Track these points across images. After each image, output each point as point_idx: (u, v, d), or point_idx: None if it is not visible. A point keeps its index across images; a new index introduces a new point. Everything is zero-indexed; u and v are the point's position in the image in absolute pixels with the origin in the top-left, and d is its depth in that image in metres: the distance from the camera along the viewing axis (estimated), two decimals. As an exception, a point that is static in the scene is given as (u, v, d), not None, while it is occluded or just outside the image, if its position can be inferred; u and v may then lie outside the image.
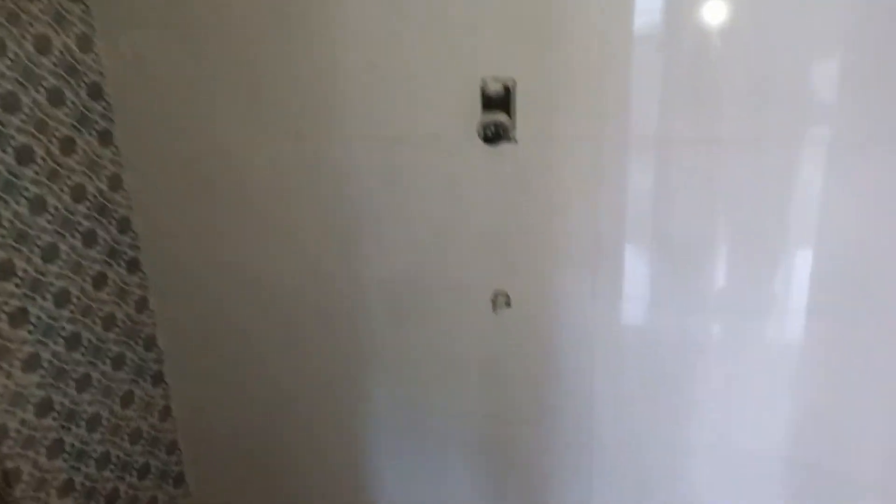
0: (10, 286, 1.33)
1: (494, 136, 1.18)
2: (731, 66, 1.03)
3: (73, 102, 1.43)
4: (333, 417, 1.60)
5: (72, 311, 1.47)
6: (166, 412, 1.77)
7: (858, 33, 0.96)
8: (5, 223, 1.32)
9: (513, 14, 1.14)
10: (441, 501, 1.56)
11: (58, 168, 1.41)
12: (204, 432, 1.78)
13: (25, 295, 1.37)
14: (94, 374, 1.55)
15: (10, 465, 1.36)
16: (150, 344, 1.69)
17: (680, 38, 1.05)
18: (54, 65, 1.38)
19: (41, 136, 1.37)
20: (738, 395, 1.19)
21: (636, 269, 1.21)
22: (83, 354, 1.51)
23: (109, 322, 1.57)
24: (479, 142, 1.20)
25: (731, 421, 1.21)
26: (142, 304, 1.66)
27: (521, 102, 1.18)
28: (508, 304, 1.31)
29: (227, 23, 1.36)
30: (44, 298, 1.40)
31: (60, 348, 1.45)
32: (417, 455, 1.54)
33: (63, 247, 1.44)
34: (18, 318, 1.36)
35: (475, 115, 1.20)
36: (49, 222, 1.40)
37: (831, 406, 1.13)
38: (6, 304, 1.33)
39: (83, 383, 1.52)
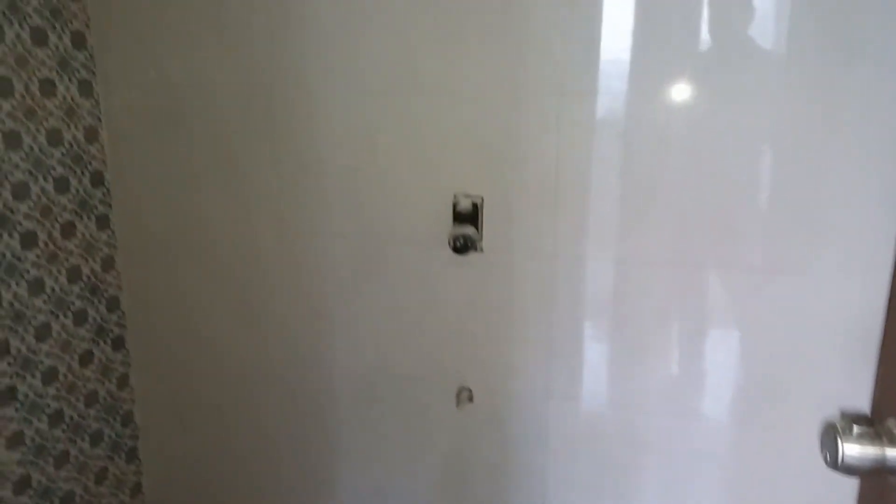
0: (3, 365, 1.41)
1: (463, 246, 1.34)
2: (673, 194, 1.22)
3: (76, 189, 1.55)
4: (301, 499, 1.67)
5: (57, 389, 1.54)
6: (137, 489, 1.81)
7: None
8: (5, 304, 1.40)
9: (481, 138, 1.32)
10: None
11: (57, 251, 1.51)
12: None
13: (17, 374, 1.44)
14: (73, 451, 1.60)
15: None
16: (127, 420, 1.75)
17: (634, 164, 1.24)
18: (63, 155, 1.50)
19: (45, 222, 1.47)
20: (675, 491, 1.33)
21: (588, 370, 1.35)
22: (63, 431, 1.56)
23: (92, 399, 1.63)
24: (449, 249, 1.35)
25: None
26: (123, 381, 1.73)
27: (487, 216, 1.35)
28: (471, 399, 1.44)
29: (217, 120, 1.51)
30: (33, 377, 1.47)
31: (44, 425, 1.51)
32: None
33: (55, 326, 1.52)
34: (7, 396, 1.42)
35: (447, 223, 1.36)
36: (45, 302, 1.49)
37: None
38: (-3, 382, 1.40)
39: (61, 460, 1.57)
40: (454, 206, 1.35)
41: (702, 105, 1.17)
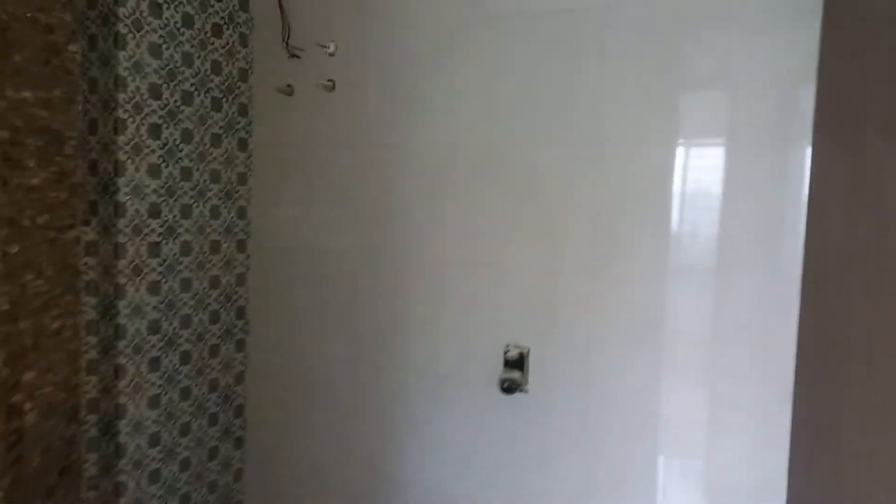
0: (154, 339, 1.84)
1: (510, 388, 1.63)
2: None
3: (225, 218, 2.02)
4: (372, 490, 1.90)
5: (189, 370, 1.94)
6: (239, 474, 2.13)
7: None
8: (162, 294, 1.85)
9: (529, 299, 1.65)
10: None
11: (205, 262, 1.97)
12: (269, 494, 2.11)
13: (162, 349, 1.87)
14: (194, 425, 1.97)
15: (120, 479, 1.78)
16: (239, 412, 2.11)
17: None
18: (219, 191, 2.00)
19: (199, 237, 1.94)
20: None
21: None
22: (189, 406, 1.95)
23: (213, 385, 2.02)
24: (498, 390, 1.66)
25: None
26: (240, 378, 2.11)
27: (533, 364, 1.65)
28: None
29: (332, 272, 1.95)
30: (174, 354, 1.90)
31: (176, 396, 1.91)
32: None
33: (195, 319, 1.95)
34: (154, 365, 1.85)
35: (497, 368, 1.68)
36: (190, 299, 1.93)
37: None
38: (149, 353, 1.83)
39: (184, 429, 1.94)
40: (504, 354, 1.66)
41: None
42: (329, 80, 1.90)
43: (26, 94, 0.53)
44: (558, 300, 1.60)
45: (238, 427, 2.12)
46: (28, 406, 0.57)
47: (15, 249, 0.55)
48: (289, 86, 1.98)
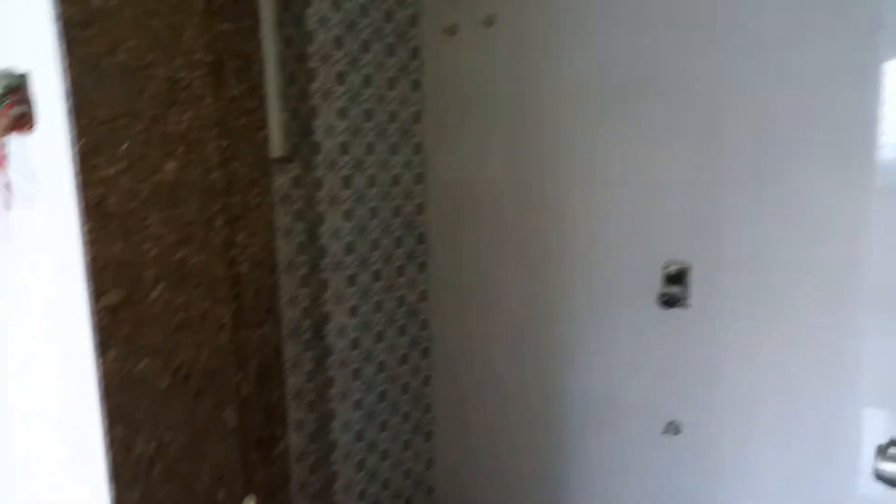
0: (354, 354, 2.16)
1: (669, 302, 1.68)
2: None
3: (406, 245, 2.26)
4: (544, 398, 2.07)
5: (384, 377, 2.28)
6: (430, 463, 2.47)
7: None
8: (360, 311, 2.16)
9: (690, 213, 1.65)
10: None
11: (391, 284, 2.23)
12: (454, 399, 2.39)
13: (362, 360, 2.20)
14: (390, 422, 2.32)
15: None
16: (427, 410, 2.43)
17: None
18: (401, 223, 2.26)
19: (386, 267, 2.21)
20: None
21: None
22: (384, 407, 2.29)
23: (405, 388, 2.35)
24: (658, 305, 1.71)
25: None
26: (426, 381, 2.41)
27: (695, 278, 1.66)
28: (678, 431, 1.71)
29: (501, 199, 2.09)
30: (369, 367, 2.23)
31: (374, 399, 2.26)
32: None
33: (388, 333, 2.27)
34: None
35: (657, 284, 1.72)
36: (381, 318, 2.22)
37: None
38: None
39: (382, 426, 2.31)
40: (664, 269, 1.69)
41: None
42: (489, 16, 2.01)
43: (226, 25, 0.73)
44: (721, 213, 1.59)
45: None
46: (241, 259, 0.80)
47: (225, 143, 0.76)
48: (453, 26, 2.13)
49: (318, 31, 1.97)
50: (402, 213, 2.27)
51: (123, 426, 0.72)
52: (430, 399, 2.44)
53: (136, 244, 0.70)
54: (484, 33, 2.04)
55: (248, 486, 0.83)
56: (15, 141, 0.77)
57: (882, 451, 1.07)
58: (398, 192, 2.25)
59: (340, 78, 2.05)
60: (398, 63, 2.20)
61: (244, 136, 0.78)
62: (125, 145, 0.68)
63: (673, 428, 1.73)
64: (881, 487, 1.06)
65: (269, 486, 0.85)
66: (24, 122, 0.76)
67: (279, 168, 1.98)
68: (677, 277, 1.67)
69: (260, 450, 0.84)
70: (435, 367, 2.42)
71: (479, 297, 2.21)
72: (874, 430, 1.25)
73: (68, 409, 0.76)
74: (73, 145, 0.66)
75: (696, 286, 1.65)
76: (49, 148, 0.70)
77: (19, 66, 0.74)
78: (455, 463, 2.39)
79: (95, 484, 0.73)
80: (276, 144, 2.03)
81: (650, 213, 1.72)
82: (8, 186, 0.79)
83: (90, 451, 0.72)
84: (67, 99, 0.65)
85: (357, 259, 2.16)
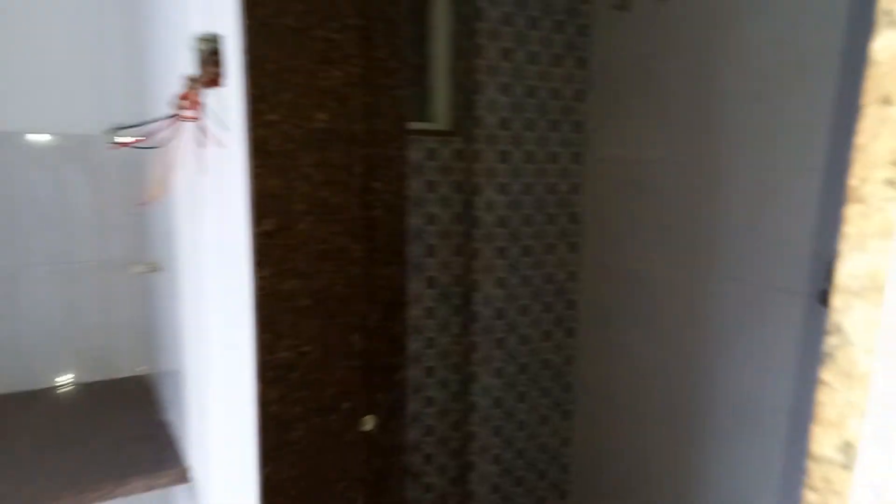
0: (500, 324, 2.23)
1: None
2: None
3: (560, 224, 2.27)
4: (689, 393, 1.99)
5: (526, 350, 2.32)
6: (567, 441, 2.47)
7: None
8: (507, 286, 2.22)
9: None
10: None
11: (541, 261, 2.26)
12: (596, 381, 2.38)
13: (505, 331, 2.26)
14: (529, 394, 2.37)
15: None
16: (567, 389, 2.44)
17: None
18: (556, 201, 2.25)
19: (537, 243, 2.24)
20: None
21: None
22: (524, 380, 2.34)
23: (547, 364, 2.37)
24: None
25: None
26: (569, 359, 2.41)
27: None
28: None
29: (661, 183, 1.99)
30: (513, 337, 2.28)
31: (514, 370, 2.31)
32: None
33: (533, 306, 2.30)
34: (497, 345, 2.25)
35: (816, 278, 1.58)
36: (530, 293, 2.26)
37: None
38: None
39: (520, 398, 2.36)
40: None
41: None
42: (661, -11, 1.95)
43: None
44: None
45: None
46: (376, 203, 0.90)
47: (371, 99, 0.86)
48: (626, 1, 2.09)
49: (489, 7, 2.04)
50: (557, 191, 2.29)
51: (269, 334, 0.85)
52: (571, 378, 2.45)
53: (289, 181, 0.83)
54: (657, 8, 1.98)
55: (369, 405, 0.94)
56: (210, 93, 0.94)
57: None
58: (555, 169, 2.27)
59: (506, 54, 2.11)
60: (565, 40, 2.21)
61: (386, 94, 0.88)
62: (286, 96, 0.81)
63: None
64: None
65: (386, 408, 0.95)
66: (217, 77, 0.92)
67: (442, 140, 2.10)
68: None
69: (381, 374, 0.94)
70: (579, 348, 2.43)
71: (630, 281, 2.17)
72: None
73: (228, 315, 0.92)
74: (246, 95, 0.80)
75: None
76: (230, 97, 0.85)
77: (216, 30, 0.90)
78: (592, 445, 2.39)
79: (244, 380, 0.88)
80: (441, 117, 2.15)
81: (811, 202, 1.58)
82: (203, 130, 0.97)
83: (242, 352, 0.87)
84: (243, 56, 0.79)
85: (508, 233, 2.23)
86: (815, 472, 0.43)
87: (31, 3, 1.38)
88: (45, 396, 1.50)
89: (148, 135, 1.02)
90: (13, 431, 1.33)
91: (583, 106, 2.28)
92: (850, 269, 0.40)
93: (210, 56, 0.89)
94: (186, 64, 0.92)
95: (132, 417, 1.40)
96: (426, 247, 2.11)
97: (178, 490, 1.38)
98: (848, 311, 0.40)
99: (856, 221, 0.40)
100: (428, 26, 2.11)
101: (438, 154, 2.08)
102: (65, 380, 1.55)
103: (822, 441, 0.42)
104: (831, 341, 0.42)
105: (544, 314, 2.35)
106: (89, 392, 1.54)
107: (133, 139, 1.04)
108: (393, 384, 0.96)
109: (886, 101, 0.37)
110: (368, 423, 0.95)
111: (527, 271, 2.29)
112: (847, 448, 0.41)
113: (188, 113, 0.91)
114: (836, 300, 0.41)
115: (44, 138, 1.43)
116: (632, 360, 2.18)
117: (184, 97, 0.90)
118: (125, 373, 1.61)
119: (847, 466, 0.41)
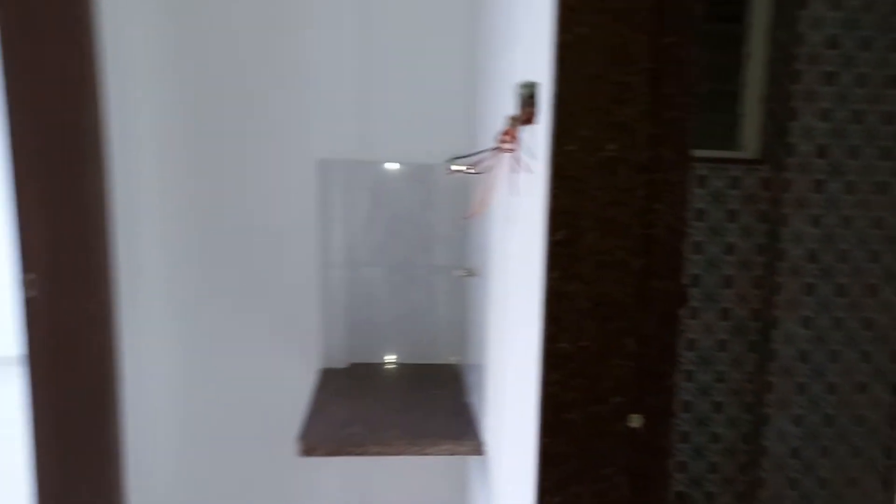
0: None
1: None
2: None
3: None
4: None
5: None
6: (895, 421, 2.13)
7: None
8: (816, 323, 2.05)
9: None
10: None
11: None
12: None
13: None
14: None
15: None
16: (890, 453, 2.12)
17: None
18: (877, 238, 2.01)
19: (855, 278, 2.03)
20: None
21: None
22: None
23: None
24: None
25: None
26: (891, 420, 2.09)
27: None
28: None
29: None
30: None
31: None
32: None
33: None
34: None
35: None
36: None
37: None
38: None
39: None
40: None
41: None
42: None
43: (668, 39, 0.94)
44: None
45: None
46: (657, 223, 1.00)
47: (657, 131, 0.98)
48: None
49: (810, 32, 1.95)
50: (885, 225, 2.04)
51: (554, 327, 1.02)
52: (895, 443, 2.13)
53: (580, 200, 0.99)
54: None
55: (637, 404, 1.04)
56: (525, 129, 1.16)
57: None
58: (882, 201, 2.03)
59: (828, 78, 1.98)
60: (907, 59, 1.97)
61: (672, 126, 0.99)
62: (583, 130, 0.98)
63: None
64: None
65: (654, 411, 1.04)
66: (532, 116, 1.13)
67: (748, 169, 2.06)
68: None
69: (651, 378, 1.03)
70: (905, 408, 2.10)
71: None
72: None
73: (524, 312, 1.11)
74: (552, 130, 0.98)
75: None
76: (540, 132, 1.05)
77: (534, 78, 1.11)
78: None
79: (531, 366, 1.06)
80: (749, 145, 2.11)
81: None
82: (517, 159, 1.19)
83: (531, 343, 1.06)
84: (552, 100, 0.98)
85: (819, 268, 2.06)
86: None
87: (405, 68, 1.80)
88: (377, 370, 1.91)
89: (475, 163, 1.29)
90: (365, 391, 1.75)
91: (927, 131, 2.00)
92: None
93: (528, 99, 1.11)
94: (509, 106, 1.16)
95: (444, 397, 1.71)
96: (722, 277, 2.08)
97: (472, 460, 1.65)
98: None
99: None
100: (742, 54, 2.10)
101: (742, 182, 2.04)
102: (391, 359, 1.94)
103: None
104: None
105: (861, 363, 2.10)
106: (410, 372, 1.91)
107: (464, 167, 1.32)
108: (661, 388, 1.04)
109: None
110: (636, 420, 1.05)
111: (840, 313, 2.08)
112: None
113: (507, 145, 1.14)
114: None
115: (394, 167, 1.84)
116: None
117: (505, 133, 1.14)
118: (440, 360, 1.95)
119: None
